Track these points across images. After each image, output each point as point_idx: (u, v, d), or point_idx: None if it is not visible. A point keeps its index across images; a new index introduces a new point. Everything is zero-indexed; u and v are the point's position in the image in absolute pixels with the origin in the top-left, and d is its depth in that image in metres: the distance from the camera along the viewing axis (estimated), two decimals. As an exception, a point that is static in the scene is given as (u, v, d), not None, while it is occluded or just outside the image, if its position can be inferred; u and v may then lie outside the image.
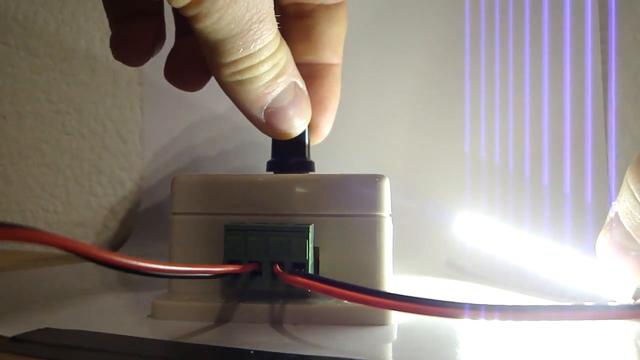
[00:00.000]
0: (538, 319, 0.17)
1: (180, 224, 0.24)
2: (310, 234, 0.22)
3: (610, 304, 0.22)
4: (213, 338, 0.20)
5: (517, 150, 0.39)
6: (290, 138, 0.24)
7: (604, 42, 0.40)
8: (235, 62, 0.22)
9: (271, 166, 0.26)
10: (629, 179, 0.21)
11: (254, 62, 0.22)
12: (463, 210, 0.34)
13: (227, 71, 0.22)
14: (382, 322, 0.22)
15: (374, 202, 0.23)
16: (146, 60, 0.25)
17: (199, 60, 0.26)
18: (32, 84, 0.58)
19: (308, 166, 0.26)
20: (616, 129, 0.40)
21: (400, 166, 0.41)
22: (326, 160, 0.28)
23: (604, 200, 0.37)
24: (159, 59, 0.27)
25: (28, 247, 0.52)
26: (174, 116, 0.50)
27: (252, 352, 0.18)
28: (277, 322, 0.22)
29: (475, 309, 0.17)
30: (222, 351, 0.19)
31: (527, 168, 0.39)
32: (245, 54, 0.21)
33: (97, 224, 0.54)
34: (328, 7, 0.26)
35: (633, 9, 0.41)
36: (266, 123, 0.23)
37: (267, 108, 0.23)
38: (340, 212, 0.23)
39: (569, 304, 0.17)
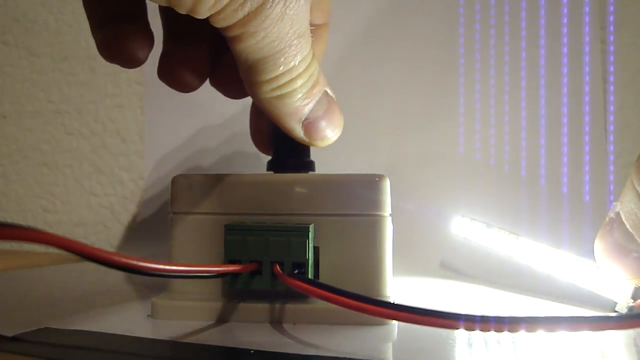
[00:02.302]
0: (535, 331, 0.17)
1: (180, 224, 0.24)
2: (310, 234, 0.22)
3: (609, 314, 0.22)
4: (213, 338, 0.20)
5: (513, 151, 0.39)
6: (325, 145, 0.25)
7: (603, 42, 0.40)
8: (276, 78, 0.22)
9: (271, 166, 0.26)
10: (634, 179, 0.21)
11: (293, 76, 0.22)
12: (459, 211, 0.34)
13: (267, 88, 0.22)
14: (382, 322, 0.22)
15: (374, 202, 0.23)
16: (141, 63, 0.25)
17: (193, 62, 0.25)
18: (32, 84, 0.58)
19: (308, 166, 0.26)
20: (616, 129, 0.40)
21: (396, 166, 0.41)
22: (326, 160, 0.28)
23: (602, 200, 0.37)
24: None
25: (28, 247, 0.52)
26: (174, 116, 0.50)
27: (252, 352, 0.18)
28: (277, 322, 0.22)
29: (470, 321, 0.17)
30: (222, 351, 0.19)
31: (524, 168, 0.39)
32: (285, 69, 0.22)
33: (97, 223, 0.54)
34: (314, 26, 0.27)
35: (633, 9, 0.41)
36: (304, 134, 0.24)
37: (305, 119, 0.23)
38: (340, 211, 0.23)
39: (566, 315, 0.17)
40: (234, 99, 0.27)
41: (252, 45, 0.21)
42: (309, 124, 0.24)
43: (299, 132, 0.24)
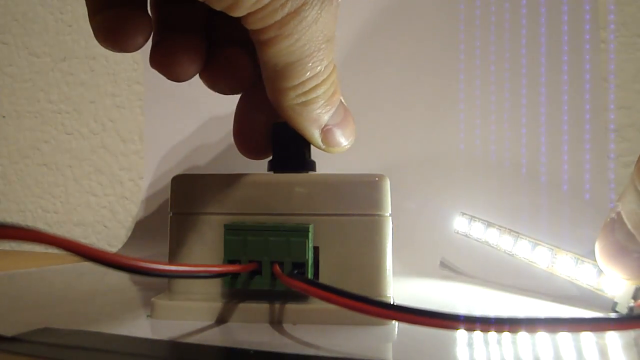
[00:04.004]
0: (535, 332, 0.17)
1: (179, 224, 0.24)
2: (310, 234, 0.22)
3: (610, 315, 0.22)
4: (213, 338, 0.20)
5: (514, 150, 0.39)
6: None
7: (604, 42, 0.40)
8: (302, 83, 0.21)
9: (271, 165, 0.26)
10: (635, 179, 0.21)
11: (319, 82, 0.22)
12: (459, 210, 0.34)
13: (293, 94, 0.22)
14: (382, 322, 0.22)
15: (374, 202, 0.23)
16: (138, 48, 0.23)
17: (188, 49, 0.24)
18: (32, 84, 0.58)
19: (308, 166, 0.26)
20: (616, 128, 0.40)
21: (396, 165, 0.41)
22: (326, 160, 0.28)
23: (602, 200, 0.37)
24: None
25: (28, 247, 0.52)
26: (174, 116, 0.50)
27: (252, 352, 0.18)
28: (277, 322, 0.22)
29: (471, 321, 0.17)
30: (222, 351, 0.19)
31: (524, 168, 0.39)
32: (312, 75, 0.21)
33: (96, 223, 0.54)
34: None
35: (633, 8, 0.41)
36: (322, 140, 0.24)
37: (325, 126, 0.23)
38: (340, 211, 0.23)
39: (567, 316, 0.17)
40: (222, 93, 0.26)
41: (285, 48, 0.20)
42: (327, 131, 0.24)
43: (317, 138, 0.24)
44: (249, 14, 0.19)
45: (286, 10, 0.19)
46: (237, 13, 0.19)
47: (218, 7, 0.19)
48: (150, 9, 0.25)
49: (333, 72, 0.22)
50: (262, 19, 0.19)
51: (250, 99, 0.26)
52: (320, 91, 0.22)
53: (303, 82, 0.21)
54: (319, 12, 0.20)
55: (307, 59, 0.21)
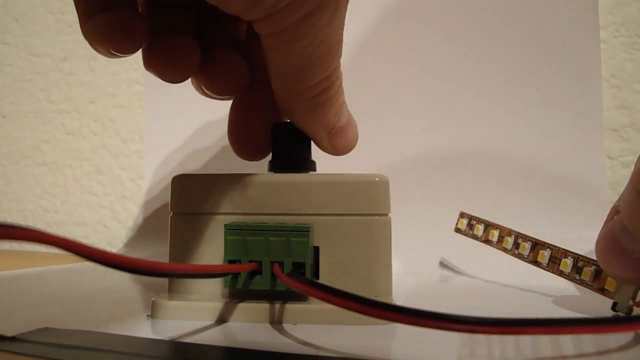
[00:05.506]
0: (536, 334, 0.17)
1: (180, 224, 0.24)
2: (310, 234, 0.22)
3: (609, 317, 0.22)
4: (213, 338, 0.20)
5: (513, 150, 0.39)
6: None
7: (603, 42, 0.40)
8: (315, 85, 0.21)
9: (272, 166, 0.26)
10: (635, 180, 0.21)
11: (329, 84, 0.21)
12: (458, 209, 0.34)
13: (306, 96, 0.21)
14: (382, 322, 0.22)
15: (374, 202, 0.23)
16: (136, 50, 0.23)
17: (183, 53, 0.24)
18: (32, 84, 0.58)
19: (309, 166, 0.26)
20: (616, 128, 0.40)
21: (397, 164, 0.41)
22: (326, 160, 0.28)
23: (602, 201, 0.37)
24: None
25: (28, 247, 0.52)
26: (174, 116, 0.50)
27: (252, 352, 0.18)
28: (277, 322, 0.22)
29: (471, 323, 0.17)
30: (222, 351, 0.19)
31: (524, 168, 0.39)
32: (323, 77, 0.21)
33: (96, 223, 0.54)
34: None
35: (633, 8, 0.41)
36: (329, 143, 0.24)
37: (333, 128, 0.23)
38: (340, 211, 0.23)
39: (568, 317, 0.17)
40: (216, 96, 0.26)
41: (299, 51, 0.20)
42: (334, 134, 0.23)
43: (326, 142, 0.24)
44: (264, 17, 0.19)
45: (302, 11, 0.19)
46: (254, 16, 0.18)
47: (232, 10, 0.18)
48: (142, 10, 0.25)
49: (341, 74, 0.22)
50: (279, 21, 0.19)
51: (245, 101, 0.26)
52: (330, 93, 0.22)
53: (315, 84, 0.21)
54: (333, 13, 0.19)
55: (320, 61, 0.20)
